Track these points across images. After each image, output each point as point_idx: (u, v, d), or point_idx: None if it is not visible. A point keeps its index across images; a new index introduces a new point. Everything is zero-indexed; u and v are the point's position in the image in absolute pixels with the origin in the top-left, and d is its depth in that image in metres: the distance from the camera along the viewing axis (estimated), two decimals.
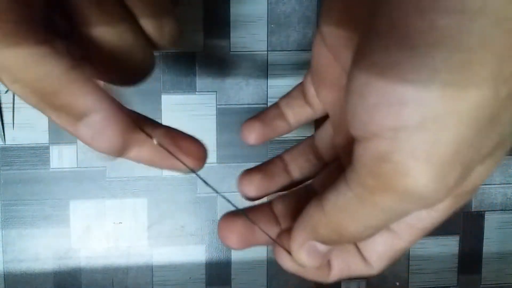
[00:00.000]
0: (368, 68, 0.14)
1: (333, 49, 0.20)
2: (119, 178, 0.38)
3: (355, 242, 0.20)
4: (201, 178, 0.20)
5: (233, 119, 0.38)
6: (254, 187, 0.24)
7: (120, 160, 0.18)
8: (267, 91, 0.38)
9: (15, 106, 0.37)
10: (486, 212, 0.42)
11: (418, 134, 0.13)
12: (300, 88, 0.24)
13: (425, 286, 0.42)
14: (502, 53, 0.12)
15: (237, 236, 0.21)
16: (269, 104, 0.38)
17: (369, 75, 0.14)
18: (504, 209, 0.42)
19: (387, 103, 0.13)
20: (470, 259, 0.42)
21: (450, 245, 0.41)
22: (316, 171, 0.24)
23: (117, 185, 0.38)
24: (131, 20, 0.18)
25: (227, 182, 0.39)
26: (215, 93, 0.38)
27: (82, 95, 0.16)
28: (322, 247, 0.18)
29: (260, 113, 0.25)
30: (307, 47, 0.38)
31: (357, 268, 0.20)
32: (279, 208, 0.23)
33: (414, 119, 0.13)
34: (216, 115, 0.38)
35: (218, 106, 0.38)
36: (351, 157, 0.16)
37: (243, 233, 0.21)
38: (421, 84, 0.12)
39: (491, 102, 0.13)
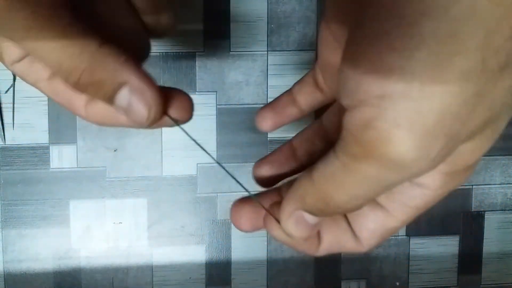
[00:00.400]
0: (360, 39, 0.14)
1: (336, 32, 0.20)
2: (119, 178, 0.38)
3: (343, 214, 0.21)
4: (184, 131, 0.20)
5: (233, 119, 0.38)
6: (265, 176, 0.25)
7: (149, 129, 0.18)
8: (267, 91, 0.38)
9: (15, 106, 0.37)
10: (486, 212, 0.42)
11: (403, 102, 0.13)
12: (312, 74, 0.24)
13: (425, 286, 0.42)
14: (490, 25, 0.12)
15: (246, 220, 0.22)
16: None
17: (360, 45, 0.14)
18: (504, 209, 0.42)
19: (374, 71, 0.13)
20: (470, 259, 0.42)
21: (450, 245, 0.41)
22: (323, 153, 0.25)
23: (117, 185, 0.38)
24: (128, 6, 0.19)
25: (227, 182, 0.39)
26: (215, 93, 0.38)
27: (117, 67, 0.17)
28: (310, 218, 0.18)
29: (272, 101, 0.26)
30: (307, 47, 0.38)
31: (347, 244, 0.21)
32: (286, 192, 0.23)
33: (399, 86, 0.13)
34: (216, 115, 0.38)
35: (218, 106, 0.38)
36: None
37: (251, 217, 0.22)
38: (408, 52, 0.13)
39: (479, 74, 0.13)
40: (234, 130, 0.38)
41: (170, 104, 0.20)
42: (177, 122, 0.20)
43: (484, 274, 0.42)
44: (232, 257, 0.39)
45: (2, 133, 0.37)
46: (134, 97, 0.17)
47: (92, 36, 0.17)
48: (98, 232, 0.38)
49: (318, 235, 0.21)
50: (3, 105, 0.37)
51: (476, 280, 0.42)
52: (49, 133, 0.37)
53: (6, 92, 0.37)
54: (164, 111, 0.18)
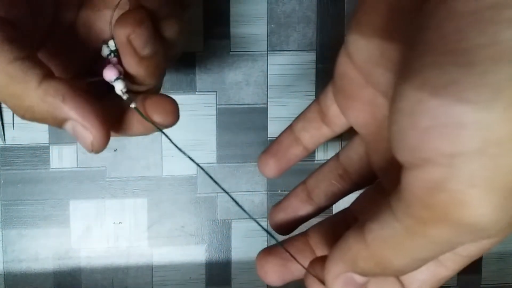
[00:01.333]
0: (419, 87, 0.12)
1: (362, 67, 0.18)
2: (119, 178, 0.38)
3: (398, 275, 0.19)
4: (167, 136, 0.20)
5: (233, 119, 0.38)
6: (280, 225, 0.24)
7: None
8: (267, 91, 0.38)
9: None
10: None
11: (478, 159, 0.12)
12: (316, 109, 0.23)
13: None
14: None
15: (273, 273, 0.21)
16: (269, 104, 0.38)
17: (420, 94, 0.12)
18: None
19: (442, 125, 0.12)
20: None
21: None
22: (341, 193, 0.24)
23: (117, 185, 0.38)
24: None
25: (227, 182, 0.39)
26: (215, 93, 0.38)
27: (57, 105, 0.17)
28: (359, 279, 0.17)
29: (273, 144, 0.24)
30: (307, 47, 0.38)
31: None
32: (315, 239, 0.22)
33: (473, 143, 0.12)
34: (216, 115, 0.38)
35: (218, 106, 0.38)
36: (393, 180, 0.14)
37: (278, 270, 0.21)
38: (482, 104, 0.11)
39: None
40: (234, 130, 0.38)
41: (155, 110, 0.20)
42: (160, 129, 0.20)
43: (484, 274, 0.42)
44: (232, 257, 0.39)
45: (2, 133, 0.37)
46: (76, 130, 0.18)
47: (32, 73, 0.17)
48: (98, 232, 0.38)
49: None
50: (3, 105, 0.37)
51: (476, 280, 0.42)
52: (49, 133, 0.37)
53: None
54: (108, 139, 0.18)
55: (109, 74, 0.20)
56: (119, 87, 0.20)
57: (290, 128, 0.24)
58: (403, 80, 0.13)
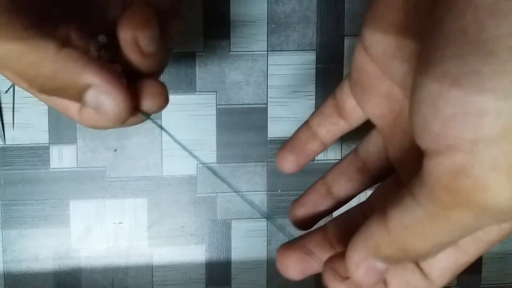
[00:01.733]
0: (440, 77, 0.13)
1: (379, 60, 0.19)
2: (119, 178, 0.38)
3: (420, 260, 0.19)
4: (169, 134, 0.20)
5: (233, 119, 0.38)
6: (300, 220, 0.24)
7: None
8: (267, 91, 0.38)
9: (15, 106, 0.37)
10: None
11: (500, 145, 0.12)
12: (332, 103, 0.23)
13: None
14: None
15: (293, 268, 0.22)
16: (269, 104, 0.38)
17: (442, 84, 0.13)
18: None
19: (464, 113, 0.12)
20: None
21: None
22: (361, 187, 0.24)
23: (117, 185, 0.38)
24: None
25: (227, 182, 0.39)
26: (215, 93, 0.38)
27: (79, 70, 0.17)
28: (381, 265, 0.17)
29: (291, 140, 0.24)
30: (307, 47, 0.38)
31: (417, 284, 0.20)
32: (333, 232, 0.22)
33: (495, 129, 0.12)
34: (216, 115, 0.38)
35: (218, 106, 0.38)
36: (410, 170, 0.15)
37: (299, 265, 0.22)
38: (502, 93, 0.12)
39: None
40: (234, 130, 0.38)
41: (142, 95, 0.19)
42: (148, 116, 0.20)
43: (484, 274, 0.42)
44: (232, 257, 0.39)
45: (2, 133, 0.37)
46: (101, 98, 0.17)
47: (51, 39, 0.17)
48: (98, 232, 0.38)
49: (384, 278, 0.20)
50: (3, 105, 0.37)
51: (476, 280, 0.42)
52: (49, 133, 0.37)
53: (6, 92, 0.37)
54: (135, 106, 0.18)
55: None
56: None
57: (306, 124, 0.24)
58: (423, 72, 0.14)
